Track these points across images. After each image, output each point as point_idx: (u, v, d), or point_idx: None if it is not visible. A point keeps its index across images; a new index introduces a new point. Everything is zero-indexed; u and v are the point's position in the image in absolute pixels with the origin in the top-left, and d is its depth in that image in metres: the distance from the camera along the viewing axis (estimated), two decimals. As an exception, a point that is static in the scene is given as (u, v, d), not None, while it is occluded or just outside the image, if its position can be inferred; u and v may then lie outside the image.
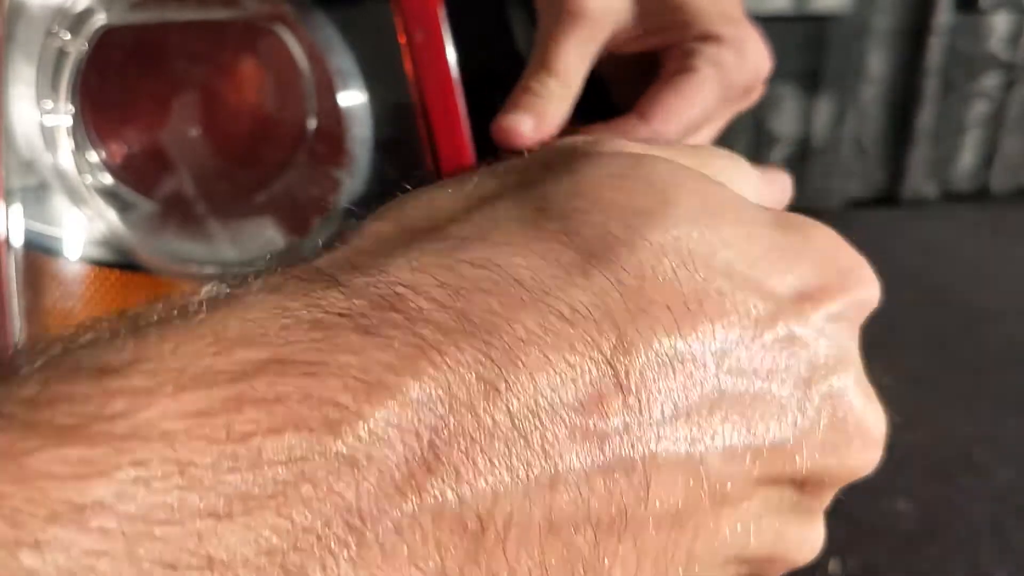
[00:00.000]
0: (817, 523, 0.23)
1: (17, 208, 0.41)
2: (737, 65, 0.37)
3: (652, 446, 0.18)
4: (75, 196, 0.38)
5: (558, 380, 0.17)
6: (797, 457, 0.20)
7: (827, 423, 0.21)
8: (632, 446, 0.17)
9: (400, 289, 0.17)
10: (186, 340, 0.16)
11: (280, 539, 0.14)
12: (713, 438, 0.18)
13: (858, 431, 0.22)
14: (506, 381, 0.16)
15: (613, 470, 0.17)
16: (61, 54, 0.36)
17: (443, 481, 0.16)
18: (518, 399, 0.16)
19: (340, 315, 0.17)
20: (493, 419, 0.16)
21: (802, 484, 0.21)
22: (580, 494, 0.17)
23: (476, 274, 0.18)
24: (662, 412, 0.18)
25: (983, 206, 3.28)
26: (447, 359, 0.16)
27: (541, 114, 0.35)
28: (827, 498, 0.23)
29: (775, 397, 0.20)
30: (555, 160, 0.23)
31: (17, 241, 0.41)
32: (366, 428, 0.15)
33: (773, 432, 0.19)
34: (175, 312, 0.17)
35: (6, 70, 0.38)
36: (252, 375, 0.15)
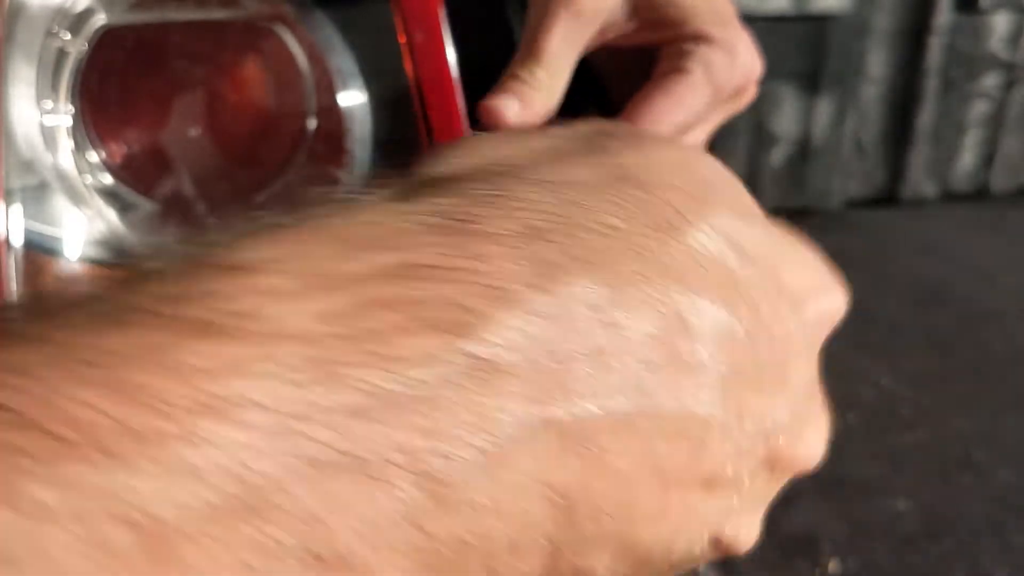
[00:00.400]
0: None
1: (17, 208, 0.41)
2: (728, 67, 0.37)
3: (715, 377, 0.19)
4: (75, 196, 0.38)
5: (649, 314, 0.18)
6: (783, 436, 0.22)
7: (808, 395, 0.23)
8: (696, 374, 0.19)
9: (516, 202, 0.18)
10: (313, 243, 0.16)
11: (423, 440, 0.14)
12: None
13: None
14: (622, 310, 0.18)
15: (695, 387, 0.19)
16: (61, 54, 0.36)
17: (563, 399, 0.16)
18: (629, 326, 0.18)
19: (463, 221, 0.17)
20: (602, 344, 0.17)
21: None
22: (670, 397, 0.18)
23: (574, 211, 0.19)
24: (717, 356, 0.20)
25: (983, 206, 3.28)
26: (561, 284, 0.17)
27: (528, 100, 0.35)
28: None
29: (785, 381, 0.21)
30: (615, 135, 0.25)
31: (17, 241, 0.41)
32: (498, 334, 0.16)
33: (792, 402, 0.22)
34: (291, 217, 0.17)
35: (6, 70, 0.38)
36: (382, 278, 0.15)
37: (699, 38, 0.37)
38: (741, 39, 0.37)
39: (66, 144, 0.37)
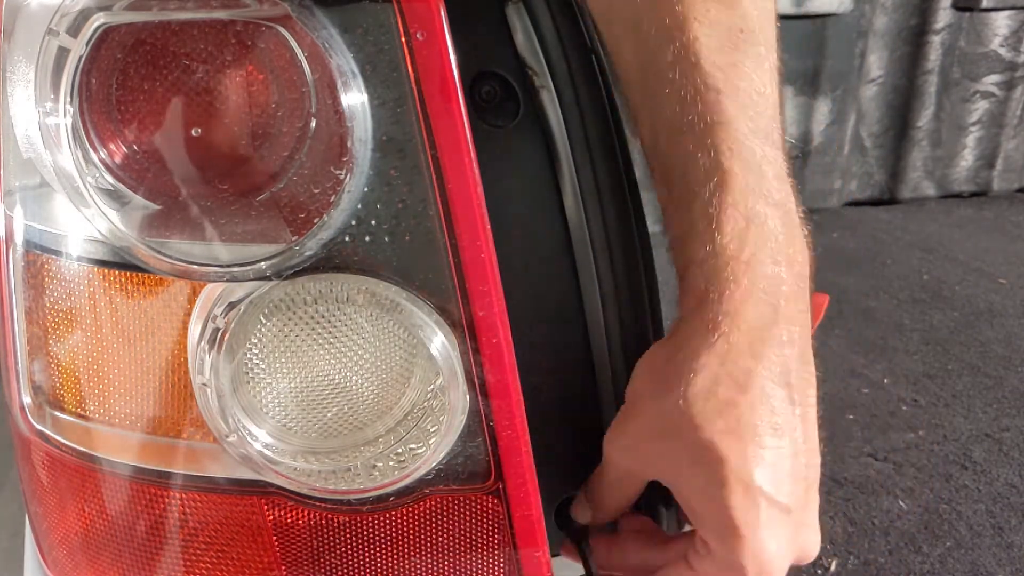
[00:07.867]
0: None
1: (17, 208, 0.41)
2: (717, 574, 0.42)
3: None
4: (75, 196, 0.38)
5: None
6: None
7: None
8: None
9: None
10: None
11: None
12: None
13: None
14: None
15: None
16: (61, 54, 0.36)
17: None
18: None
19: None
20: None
21: None
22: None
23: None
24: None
25: (983, 206, 3.28)
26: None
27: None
28: None
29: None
30: None
31: (17, 241, 0.41)
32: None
33: None
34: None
35: (6, 70, 0.38)
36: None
37: (702, 541, 0.41)
38: (742, 552, 0.39)
39: (66, 144, 0.37)
